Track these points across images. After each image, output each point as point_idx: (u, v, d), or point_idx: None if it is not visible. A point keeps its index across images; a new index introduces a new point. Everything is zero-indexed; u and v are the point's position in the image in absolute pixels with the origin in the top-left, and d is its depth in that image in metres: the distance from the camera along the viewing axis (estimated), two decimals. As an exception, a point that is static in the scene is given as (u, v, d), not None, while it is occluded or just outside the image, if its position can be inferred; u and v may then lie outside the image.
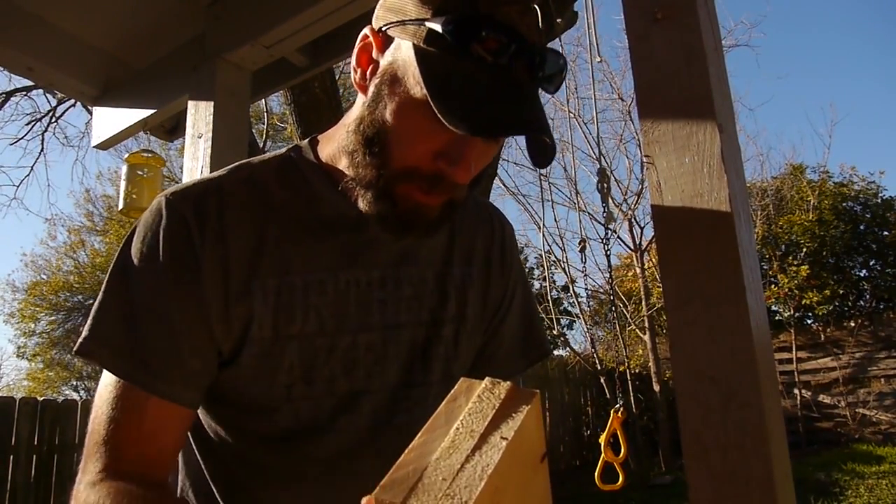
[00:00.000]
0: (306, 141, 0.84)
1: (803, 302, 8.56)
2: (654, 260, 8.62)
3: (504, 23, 0.65)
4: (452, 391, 0.51)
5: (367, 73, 0.73)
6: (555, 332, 8.19)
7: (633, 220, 8.81)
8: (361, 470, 0.77)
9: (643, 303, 8.48)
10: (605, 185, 1.61)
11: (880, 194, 9.76)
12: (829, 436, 8.11)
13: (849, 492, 5.80)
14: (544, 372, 8.09)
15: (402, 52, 0.69)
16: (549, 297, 8.40)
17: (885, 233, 9.37)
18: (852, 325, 8.60)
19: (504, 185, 9.38)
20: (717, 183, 0.90)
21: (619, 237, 8.80)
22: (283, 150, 0.84)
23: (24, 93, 8.11)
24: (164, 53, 2.12)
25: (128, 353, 0.70)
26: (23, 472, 4.40)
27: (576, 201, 8.64)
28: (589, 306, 9.15)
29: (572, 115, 7.95)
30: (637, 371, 8.90)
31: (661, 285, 1.12)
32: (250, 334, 0.73)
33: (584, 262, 9.05)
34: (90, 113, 4.66)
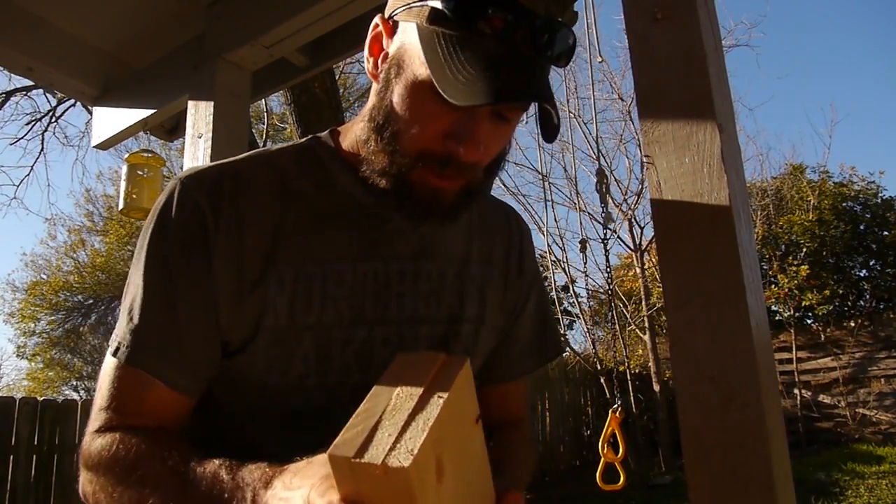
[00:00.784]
0: (326, 132, 0.84)
1: (803, 302, 8.56)
2: (654, 260, 8.62)
3: None
4: (392, 363, 0.57)
5: (379, 61, 0.73)
6: (555, 332, 8.16)
7: (633, 220, 8.81)
8: None
9: (643, 303, 8.47)
10: (604, 185, 1.61)
11: (880, 194, 9.75)
12: (829, 436, 8.10)
13: (849, 492, 5.79)
14: (544, 372, 8.08)
15: (408, 36, 0.69)
16: (550, 298, 8.38)
17: (885, 233, 9.36)
18: (852, 325, 8.59)
19: (504, 185, 9.37)
20: (717, 183, 0.90)
21: (619, 237, 8.81)
22: (303, 139, 0.84)
23: (24, 92, 8.11)
24: (165, 53, 2.12)
25: (133, 336, 0.71)
26: (23, 472, 4.40)
27: (576, 201, 8.64)
28: (589, 306, 9.15)
29: (572, 115, 7.94)
30: (637, 371, 8.89)
31: (661, 285, 1.12)
32: (264, 322, 0.73)
33: (585, 263, 9.05)
34: (90, 113, 4.67)
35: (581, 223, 6.05)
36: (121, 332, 0.72)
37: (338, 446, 0.48)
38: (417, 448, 0.47)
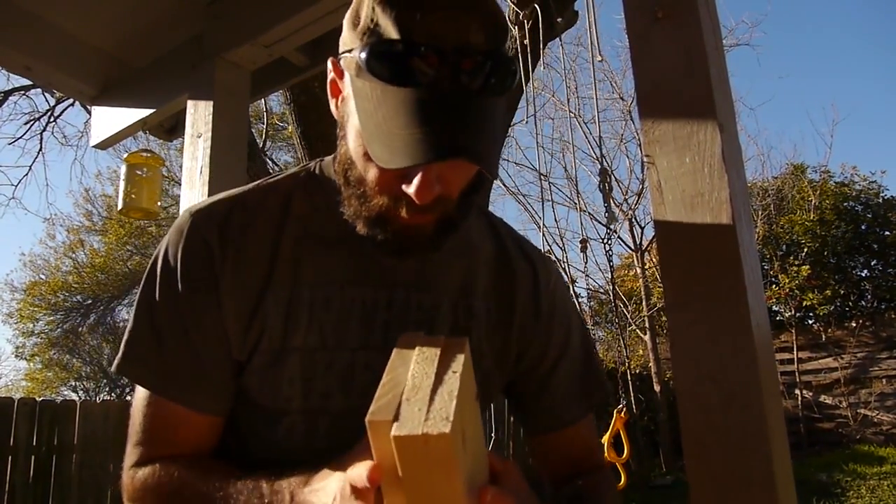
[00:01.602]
0: (331, 157, 0.85)
1: (804, 302, 8.56)
2: (654, 260, 8.62)
3: (427, 40, 0.62)
4: (399, 342, 0.63)
5: (338, 103, 0.75)
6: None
7: (633, 220, 8.81)
8: None
9: (643, 303, 8.48)
10: (607, 185, 1.60)
11: (882, 194, 9.75)
12: (830, 436, 8.10)
13: (850, 493, 5.79)
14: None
15: (348, 85, 0.70)
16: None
17: (887, 233, 9.36)
18: (854, 325, 8.59)
19: (504, 185, 9.37)
20: (718, 183, 0.89)
21: (619, 237, 8.81)
22: (310, 162, 0.86)
23: (23, 92, 8.10)
24: (163, 53, 2.12)
25: (156, 368, 0.75)
26: (21, 472, 4.39)
27: (576, 201, 8.64)
28: (589, 306, 9.15)
29: (573, 115, 7.94)
30: (637, 371, 8.89)
31: (661, 285, 1.12)
32: (261, 344, 0.75)
33: (586, 263, 9.05)
34: (89, 112, 4.66)
35: (581, 223, 6.05)
36: (145, 366, 0.76)
37: (375, 413, 0.52)
38: (451, 415, 0.50)
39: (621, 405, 2.55)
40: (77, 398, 12.56)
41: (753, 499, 0.80)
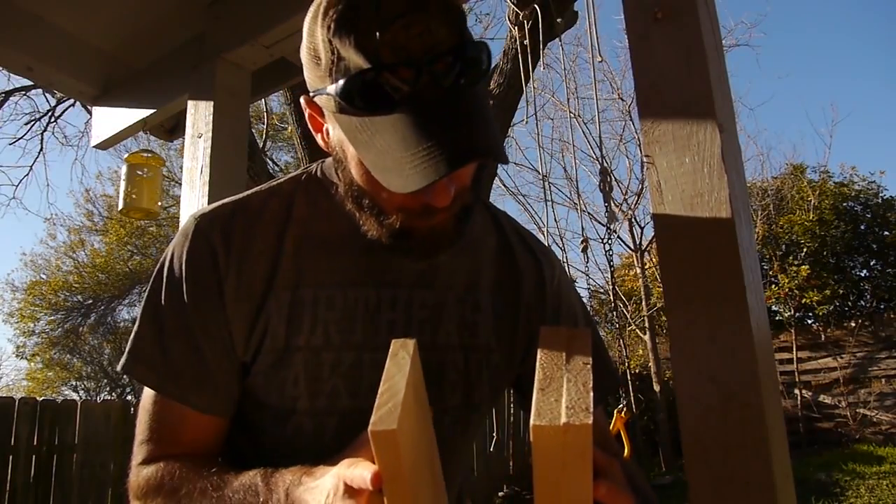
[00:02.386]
0: (331, 159, 0.85)
1: (804, 302, 8.55)
2: (654, 260, 8.62)
3: (392, 58, 0.61)
4: (391, 350, 0.60)
5: (325, 136, 0.75)
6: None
7: (633, 220, 8.81)
8: None
9: (643, 303, 8.47)
10: (607, 185, 1.60)
11: (881, 194, 9.74)
12: (829, 436, 8.10)
13: (849, 492, 5.79)
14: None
15: (332, 122, 0.70)
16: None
17: (886, 233, 9.36)
18: (853, 325, 8.59)
19: (504, 185, 9.38)
20: (718, 183, 0.90)
21: (619, 237, 8.80)
22: (312, 164, 0.87)
23: (23, 92, 8.10)
24: (164, 53, 2.12)
25: (161, 369, 0.76)
26: (22, 472, 4.39)
27: (576, 201, 8.64)
28: (590, 306, 9.14)
29: (572, 115, 7.94)
30: (637, 371, 8.89)
31: (661, 285, 1.12)
32: (264, 345, 0.76)
33: (587, 263, 9.04)
34: (89, 113, 4.66)
35: (581, 223, 6.05)
36: (151, 368, 0.77)
37: (377, 423, 0.50)
38: (591, 406, 0.51)
39: (621, 405, 2.56)
40: (78, 398, 12.55)
41: (752, 498, 0.80)
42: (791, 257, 9.01)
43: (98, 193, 14.07)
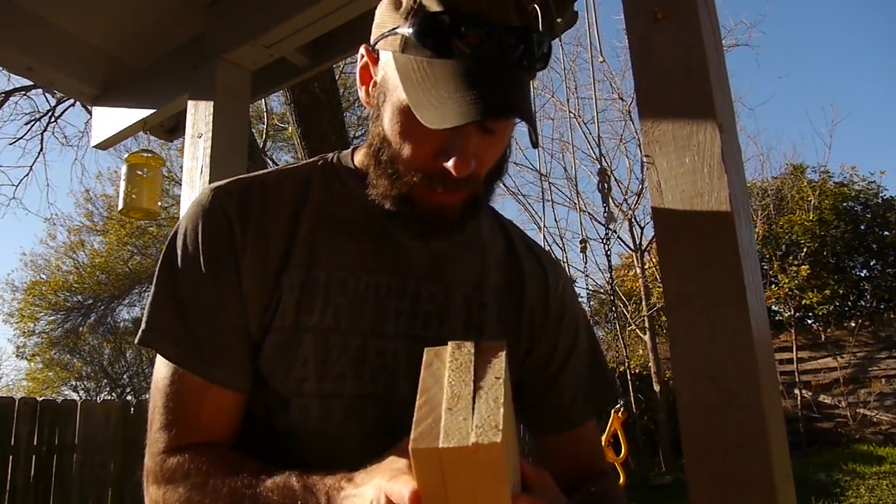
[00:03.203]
0: (349, 150, 0.88)
1: (804, 302, 8.56)
2: (654, 260, 8.62)
3: (471, 13, 0.66)
4: (424, 359, 0.58)
5: (370, 88, 0.77)
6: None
7: (633, 220, 8.81)
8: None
9: (643, 303, 8.48)
10: (606, 185, 1.61)
11: (881, 194, 9.75)
12: (829, 436, 8.10)
13: (849, 492, 5.80)
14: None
15: (388, 64, 0.72)
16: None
17: (886, 233, 9.36)
18: (853, 325, 8.59)
19: (504, 185, 9.36)
20: (718, 183, 0.90)
21: (619, 237, 8.81)
22: (330, 154, 0.88)
23: (23, 92, 8.10)
24: (164, 53, 2.12)
25: (182, 342, 0.74)
26: (22, 472, 4.40)
27: (576, 201, 8.64)
28: (589, 306, 9.15)
29: (572, 115, 7.94)
30: (637, 371, 8.89)
31: (661, 285, 1.12)
32: (274, 323, 0.76)
33: (586, 263, 9.05)
34: (89, 113, 4.66)
35: (581, 223, 6.05)
36: (172, 339, 0.75)
37: (418, 440, 0.49)
38: (501, 423, 0.48)
39: (618, 405, 2.56)
40: (78, 398, 12.54)
41: (752, 498, 0.80)
42: (791, 257, 9.02)
43: (98, 193, 14.10)
